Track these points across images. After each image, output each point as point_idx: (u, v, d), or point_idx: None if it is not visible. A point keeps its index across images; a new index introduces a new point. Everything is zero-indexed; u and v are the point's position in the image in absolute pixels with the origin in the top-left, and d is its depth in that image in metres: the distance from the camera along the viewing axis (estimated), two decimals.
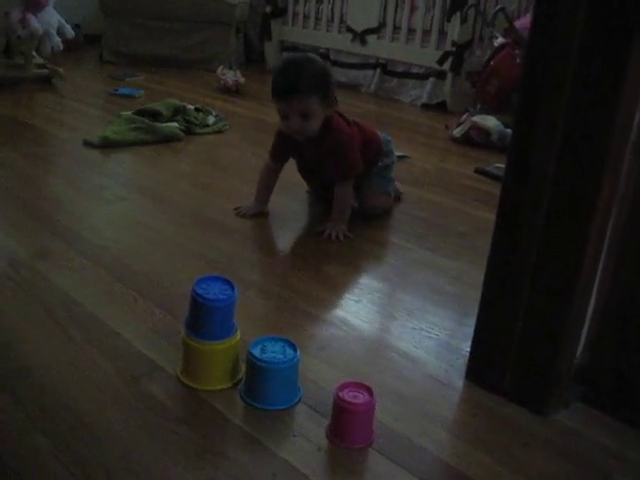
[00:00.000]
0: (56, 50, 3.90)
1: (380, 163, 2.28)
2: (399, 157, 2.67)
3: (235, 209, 2.22)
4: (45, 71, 3.93)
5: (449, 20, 3.90)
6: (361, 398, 1.19)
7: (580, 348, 1.33)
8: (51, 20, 3.83)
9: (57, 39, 3.88)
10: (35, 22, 3.69)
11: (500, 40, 3.58)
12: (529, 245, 1.24)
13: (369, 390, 1.21)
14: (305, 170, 2.28)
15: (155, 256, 1.89)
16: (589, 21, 1.11)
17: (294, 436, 1.21)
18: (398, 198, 2.44)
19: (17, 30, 3.70)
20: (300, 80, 1.95)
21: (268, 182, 2.23)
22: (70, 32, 3.99)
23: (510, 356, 1.32)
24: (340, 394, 1.19)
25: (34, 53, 3.87)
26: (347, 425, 1.18)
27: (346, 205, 2.13)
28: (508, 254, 1.29)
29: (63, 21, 3.94)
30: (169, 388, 1.32)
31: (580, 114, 1.15)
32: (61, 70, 3.92)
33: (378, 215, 2.27)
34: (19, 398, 1.26)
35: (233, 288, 1.30)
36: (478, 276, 1.39)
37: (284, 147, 2.17)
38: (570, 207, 1.19)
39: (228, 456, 1.15)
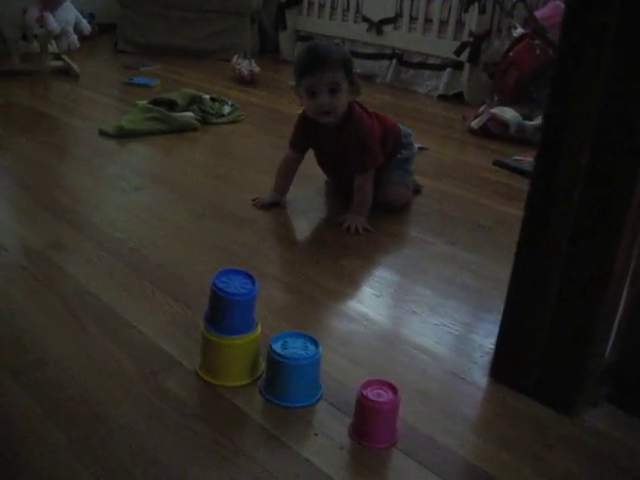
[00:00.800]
0: (72, 48, 3.85)
1: (399, 155, 2.26)
2: (418, 149, 2.63)
3: (253, 200, 2.19)
4: (60, 63, 3.91)
5: (467, 10, 3.85)
6: (385, 396, 1.16)
7: (609, 347, 1.30)
8: (68, 17, 3.78)
9: (74, 37, 3.82)
10: (53, 22, 3.64)
11: (519, 31, 3.53)
12: (559, 239, 1.20)
13: (393, 388, 1.18)
14: (325, 163, 2.26)
15: (172, 247, 1.87)
16: (624, 11, 1.07)
17: (316, 435, 1.18)
18: (418, 191, 2.40)
19: (34, 29, 3.65)
20: (329, 55, 2.00)
21: (287, 173, 2.20)
22: (87, 28, 3.93)
23: (537, 354, 1.29)
24: (364, 392, 1.16)
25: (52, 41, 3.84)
26: (371, 424, 1.15)
27: (366, 197, 2.10)
28: (536, 248, 1.25)
29: (80, 16, 3.89)
30: (187, 383, 1.29)
31: (614, 105, 1.11)
32: (75, 67, 3.89)
33: (397, 208, 2.23)
34: (34, 391, 1.24)
35: (254, 282, 1.27)
36: (499, 270, 1.36)
37: (305, 136, 2.15)
38: (603, 200, 1.15)
39: (248, 454, 1.12)
